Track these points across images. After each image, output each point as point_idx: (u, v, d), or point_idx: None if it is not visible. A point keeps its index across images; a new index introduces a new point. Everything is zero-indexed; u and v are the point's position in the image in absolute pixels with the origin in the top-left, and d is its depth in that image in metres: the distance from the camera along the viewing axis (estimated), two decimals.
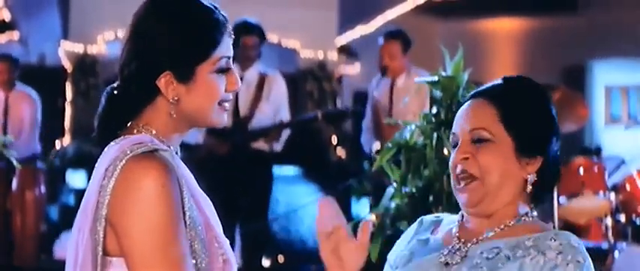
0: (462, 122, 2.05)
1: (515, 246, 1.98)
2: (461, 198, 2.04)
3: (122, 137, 1.87)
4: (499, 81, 2.10)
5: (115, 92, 1.92)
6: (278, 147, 6.26)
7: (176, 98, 1.87)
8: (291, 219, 8.03)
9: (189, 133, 2.02)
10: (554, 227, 5.46)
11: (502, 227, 2.03)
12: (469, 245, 2.03)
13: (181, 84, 1.87)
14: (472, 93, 2.11)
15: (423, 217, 2.22)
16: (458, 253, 2.02)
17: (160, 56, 1.86)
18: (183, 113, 1.89)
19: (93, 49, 9.99)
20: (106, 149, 1.87)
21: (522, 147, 2.00)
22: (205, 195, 1.93)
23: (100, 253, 1.80)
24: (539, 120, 2.03)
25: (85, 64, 9.93)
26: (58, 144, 9.53)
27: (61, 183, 8.88)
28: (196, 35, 1.88)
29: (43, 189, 7.37)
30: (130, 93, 1.89)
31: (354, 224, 3.91)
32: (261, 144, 6.21)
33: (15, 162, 6.49)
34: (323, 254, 1.75)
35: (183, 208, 1.80)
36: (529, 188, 2.02)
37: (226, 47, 1.92)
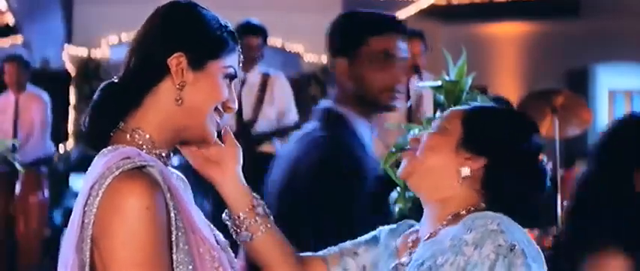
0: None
1: (435, 253, 1.93)
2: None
3: (111, 146, 1.85)
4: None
5: (116, 81, 1.91)
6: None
7: (182, 84, 1.86)
8: None
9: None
10: (556, 231, 5.42)
11: (433, 231, 2.02)
12: (412, 254, 2.03)
13: (191, 70, 1.87)
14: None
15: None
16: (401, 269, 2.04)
17: (178, 36, 1.87)
18: (183, 104, 1.87)
19: (97, 53, 10.00)
20: (95, 159, 1.85)
21: (466, 141, 2.04)
22: (196, 206, 1.90)
23: None
24: (493, 123, 2.07)
25: (89, 68, 9.93)
26: (61, 148, 9.54)
27: (65, 186, 8.88)
28: (215, 31, 1.91)
29: (46, 193, 7.37)
30: (136, 72, 1.88)
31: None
32: (266, 148, 6.20)
33: (18, 167, 6.47)
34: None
35: (170, 227, 1.78)
36: (459, 180, 2.02)
37: (235, 60, 1.95)
